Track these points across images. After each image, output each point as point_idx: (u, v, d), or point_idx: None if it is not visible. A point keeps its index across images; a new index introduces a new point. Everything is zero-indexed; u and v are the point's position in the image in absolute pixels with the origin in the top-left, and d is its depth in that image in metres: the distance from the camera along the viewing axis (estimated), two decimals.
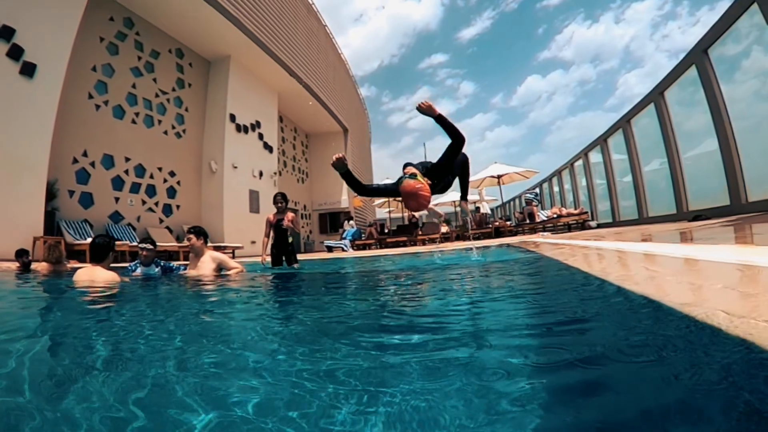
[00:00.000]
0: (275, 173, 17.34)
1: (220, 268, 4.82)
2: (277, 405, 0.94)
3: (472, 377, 1.00)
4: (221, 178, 13.96)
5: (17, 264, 5.88)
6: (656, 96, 9.08)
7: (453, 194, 20.09)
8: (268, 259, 6.51)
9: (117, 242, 8.31)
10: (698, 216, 7.63)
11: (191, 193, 13.75)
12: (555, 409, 0.85)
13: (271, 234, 6.37)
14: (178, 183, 13.22)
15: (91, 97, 10.53)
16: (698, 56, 7.10)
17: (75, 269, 4.44)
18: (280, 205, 6.28)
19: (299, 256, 6.92)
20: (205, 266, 4.74)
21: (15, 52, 7.90)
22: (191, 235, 4.80)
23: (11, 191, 7.82)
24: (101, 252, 3.90)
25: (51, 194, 8.87)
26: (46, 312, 2.81)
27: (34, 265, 5.69)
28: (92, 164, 10.42)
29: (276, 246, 6.41)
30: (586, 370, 0.98)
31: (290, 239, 6.36)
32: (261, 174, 16.20)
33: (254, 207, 15.46)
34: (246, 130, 15.34)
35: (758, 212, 6.15)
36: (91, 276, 3.77)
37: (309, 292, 3.68)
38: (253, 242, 14.02)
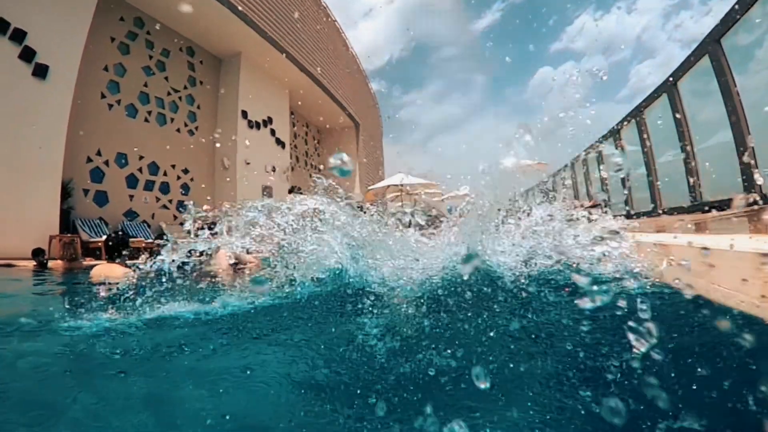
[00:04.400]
0: (288, 169, 17.43)
1: (236, 263, 4.88)
2: None
3: None
4: (234, 174, 14.08)
5: (34, 263, 6.04)
6: (669, 87, 8.90)
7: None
8: None
9: (132, 239, 8.48)
10: (713, 207, 7.50)
11: (205, 189, 13.91)
12: None
13: None
14: (192, 180, 13.39)
15: (103, 96, 10.71)
16: (711, 46, 6.94)
17: (90, 266, 4.55)
18: None
19: None
20: (221, 261, 4.80)
21: (27, 55, 8.03)
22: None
23: (27, 191, 8.01)
24: (116, 249, 4.00)
25: (66, 193, 9.06)
26: (65, 306, 2.89)
27: (50, 264, 5.83)
28: (106, 163, 10.61)
29: None
30: None
31: None
32: (274, 170, 16.28)
33: None
34: (258, 126, 15.42)
35: None
36: (107, 272, 3.87)
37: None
38: None
